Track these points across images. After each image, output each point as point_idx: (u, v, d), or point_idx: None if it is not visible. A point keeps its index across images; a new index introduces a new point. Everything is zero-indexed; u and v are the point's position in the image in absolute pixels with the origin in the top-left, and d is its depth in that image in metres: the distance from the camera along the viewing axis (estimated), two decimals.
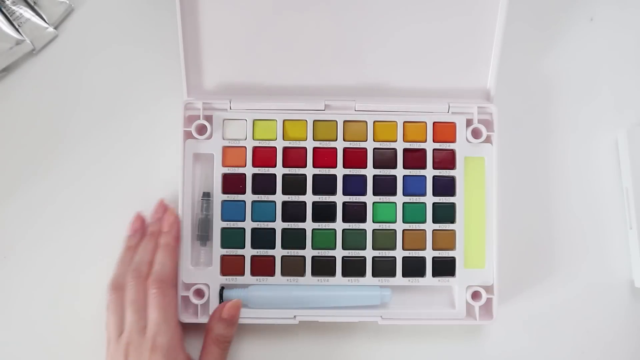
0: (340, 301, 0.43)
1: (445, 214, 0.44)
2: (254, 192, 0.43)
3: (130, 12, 0.47)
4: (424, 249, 0.43)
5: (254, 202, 0.43)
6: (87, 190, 0.46)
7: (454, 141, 0.44)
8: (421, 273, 0.43)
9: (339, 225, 0.43)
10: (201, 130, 0.43)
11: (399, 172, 0.44)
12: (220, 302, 0.42)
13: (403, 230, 0.43)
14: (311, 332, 0.45)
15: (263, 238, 0.43)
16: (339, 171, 0.43)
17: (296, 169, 0.43)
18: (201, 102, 0.43)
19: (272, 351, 0.45)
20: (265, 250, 0.43)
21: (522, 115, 0.47)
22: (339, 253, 0.43)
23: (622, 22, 0.48)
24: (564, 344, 0.46)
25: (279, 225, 0.43)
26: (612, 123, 0.47)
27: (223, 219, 0.43)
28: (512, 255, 0.45)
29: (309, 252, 0.43)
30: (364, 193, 0.43)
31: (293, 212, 0.43)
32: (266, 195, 0.43)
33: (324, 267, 0.43)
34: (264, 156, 0.43)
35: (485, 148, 0.44)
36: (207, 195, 0.44)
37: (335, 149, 0.43)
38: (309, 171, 0.43)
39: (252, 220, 0.43)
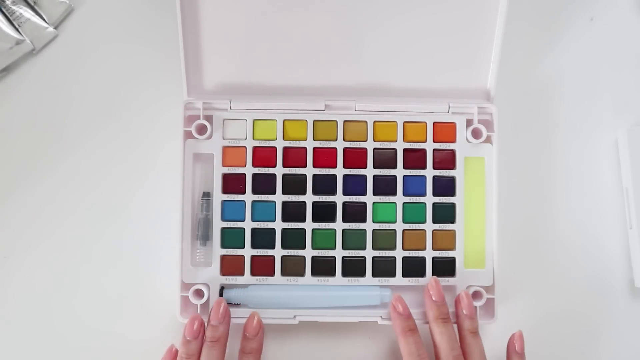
0: (340, 301, 0.43)
1: (445, 214, 0.44)
2: (254, 192, 0.43)
3: (130, 11, 0.47)
4: (424, 249, 0.43)
5: (254, 202, 0.43)
6: (86, 189, 0.46)
7: (454, 141, 0.44)
8: (421, 273, 0.43)
9: (339, 225, 0.43)
10: (201, 130, 0.43)
11: (399, 172, 0.44)
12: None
13: (403, 230, 0.43)
14: (311, 332, 0.45)
15: (263, 238, 0.43)
16: (339, 171, 0.43)
17: (296, 169, 0.43)
18: (201, 102, 0.43)
19: (272, 351, 0.45)
20: (265, 250, 0.43)
21: (522, 115, 0.47)
22: (339, 253, 0.43)
23: (622, 22, 0.48)
24: (564, 344, 0.46)
25: (279, 225, 0.43)
26: (612, 123, 0.47)
27: (223, 219, 0.43)
28: (512, 255, 0.45)
29: (309, 252, 0.43)
30: (364, 193, 0.43)
31: (293, 212, 0.43)
32: (266, 195, 0.43)
33: (324, 267, 0.43)
34: (264, 156, 0.43)
35: (485, 148, 0.44)
36: (207, 195, 0.44)
37: (335, 149, 0.43)
38: (309, 171, 0.43)
39: (252, 220, 0.43)
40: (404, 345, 0.41)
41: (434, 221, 0.43)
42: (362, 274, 0.43)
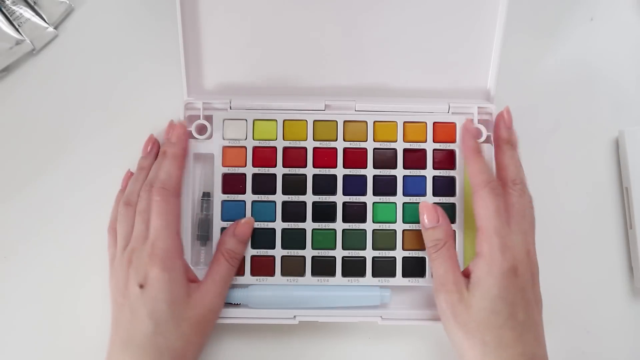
0: (340, 301, 0.43)
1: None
2: (254, 192, 0.43)
3: (130, 11, 0.47)
4: (424, 249, 0.43)
5: (254, 202, 0.43)
6: (87, 189, 0.46)
7: (454, 141, 0.44)
8: (421, 273, 0.43)
9: (339, 225, 0.43)
10: (201, 130, 0.43)
11: (399, 172, 0.44)
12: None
13: (403, 231, 0.43)
14: (311, 332, 0.45)
15: (263, 238, 0.43)
16: (339, 171, 0.43)
17: (296, 169, 0.43)
18: (201, 102, 0.43)
19: (272, 351, 0.45)
20: (265, 250, 0.43)
21: (522, 115, 0.47)
22: (339, 253, 0.43)
23: (622, 22, 0.48)
24: (564, 344, 0.46)
25: (279, 225, 0.43)
26: (612, 123, 0.48)
27: (223, 219, 0.43)
28: None
29: (309, 252, 0.43)
30: (364, 193, 0.43)
31: (293, 212, 0.43)
32: (266, 195, 0.43)
33: (324, 267, 0.43)
34: (264, 156, 0.43)
35: (486, 148, 0.44)
36: (207, 195, 0.44)
37: (335, 149, 0.43)
38: (309, 171, 0.43)
39: None
40: (473, 164, 0.41)
41: None
42: (362, 274, 0.43)
